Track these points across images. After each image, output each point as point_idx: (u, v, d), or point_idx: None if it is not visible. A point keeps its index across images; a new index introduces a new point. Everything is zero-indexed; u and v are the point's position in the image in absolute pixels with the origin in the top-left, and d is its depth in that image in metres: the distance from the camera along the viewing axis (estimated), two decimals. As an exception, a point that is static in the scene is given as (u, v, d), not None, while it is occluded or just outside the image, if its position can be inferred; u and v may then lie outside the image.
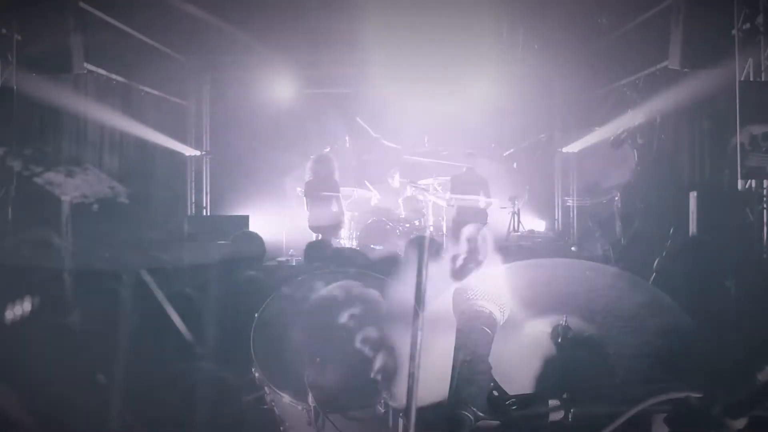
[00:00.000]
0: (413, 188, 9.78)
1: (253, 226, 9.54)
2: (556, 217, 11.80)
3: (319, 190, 8.98)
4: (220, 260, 4.67)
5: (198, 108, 11.36)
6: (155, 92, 9.88)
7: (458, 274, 1.38)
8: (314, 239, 8.61)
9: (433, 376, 1.29)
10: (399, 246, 9.55)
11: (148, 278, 3.56)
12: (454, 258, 1.39)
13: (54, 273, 3.38)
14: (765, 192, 6.78)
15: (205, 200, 11.65)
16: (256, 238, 5.06)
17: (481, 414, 1.07)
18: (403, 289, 2.71)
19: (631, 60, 9.26)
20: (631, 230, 8.98)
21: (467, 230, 1.37)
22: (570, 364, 1.34)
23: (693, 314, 1.40)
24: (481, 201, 9.41)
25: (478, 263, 1.36)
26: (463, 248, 1.37)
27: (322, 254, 5.01)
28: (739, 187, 6.85)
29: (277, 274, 5.33)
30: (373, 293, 2.66)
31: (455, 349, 1.21)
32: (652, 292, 1.43)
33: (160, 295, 3.46)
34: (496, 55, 9.60)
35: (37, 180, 7.23)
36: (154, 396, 2.90)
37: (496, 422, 1.08)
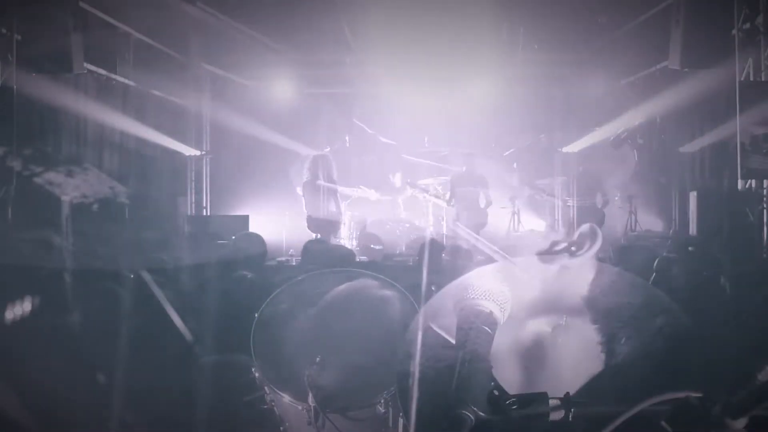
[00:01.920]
0: (413, 188, 9.79)
1: (253, 226, 9.54)
2: (556, 217, 11.80)
3: (318, 190, 8.99)
4: (220, 260, 4.67)
5: (198, 108, 11.34)
6: (155, 92, 9.88)
7: (548, 257, 1.38)
8: (313, 238, 8.61)
9: (433, 376, 1.29)
10: (399, 246, 9.58)
11: (147, 278, 3.56)
12: (555, 243, 1.38)
13: (53, 273, 3.38)
14: (765, 192, 6.78)
15: (205, 200, 11.64)
16: (256, 239, 5.06)
17: (481, 414, 1.07)
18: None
19: (631, 60, 9.27)
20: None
21: (584, 226, 1.38)
22: (570, 364, 1.34)
23: (693, 314, 1.40)
24: (482, 200, 9.41)
25: (573, 255, 1.35)
26: (569, 238, 1.37)
27: (320, 253, 5.00)
28: (739, 187, 6.86)
29: (277, 274, 5.33)
30: (385, 294, 2.66)
31: (455, 348, 1.21)
32: (652, 292, 1.43)
33: (160, 295, 3.46)
34: (496, 55, 9.59)
35: (37, 180, 7.23)
36: (154, 396, 2.90)
37: (496, 422, 1.08)
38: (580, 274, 1.39)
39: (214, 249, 7.40)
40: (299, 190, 9.55)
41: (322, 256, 4.79)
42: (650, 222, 9.64)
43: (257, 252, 4.83)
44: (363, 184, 10.29)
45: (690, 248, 5.85)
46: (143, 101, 9.50)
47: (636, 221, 9.33)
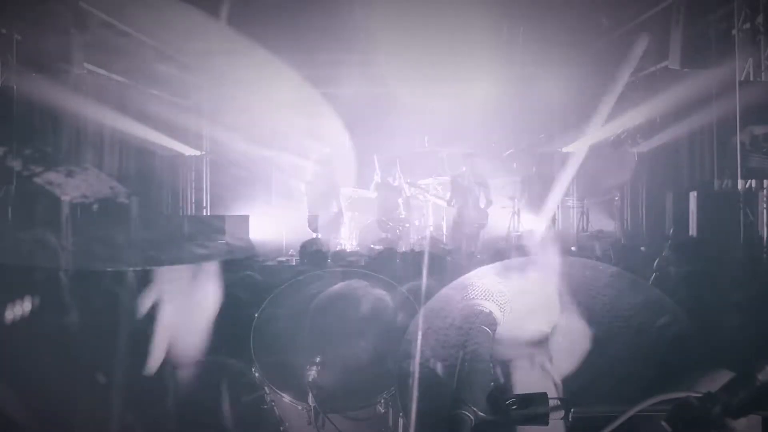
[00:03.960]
0: (413, 188, 9.80)
1: (253, 226, 9.53)
2: (556, 217, 11.78)
3: (319, 190, 9.01)
4: (217, 261, 4.65)
5: (198, 108, 11.33)
6: (155, 92, 9.87)
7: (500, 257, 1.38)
8: (311, 238, 8.61)
9: (433, 376, 1.29)
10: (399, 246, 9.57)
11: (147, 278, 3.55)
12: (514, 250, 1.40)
13: (53, 273, 3.38)
14: (765, 192, 6.78)
15: (205, 200, 11.63)
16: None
17: (481, 414, 1.07)
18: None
19: (631, 60, 9.26)
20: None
21: (547, 235, 1.40)
22: (569, 363, 1.34)
23: (692, 314, 1.40)
24: (482, 200, 9.41)
25: (545, 267, 1.36)
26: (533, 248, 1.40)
27: (316, 253, 5.01)
28: (739, 187, 6.86)
29: (277, 274, 5.32)
30: (380, 293, 2.66)
31: (455, 348, 1.21)
32: (651, 292, 1.44)
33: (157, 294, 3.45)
34: (497, 55, 9.59)
35: (37, 180, 7.23)
36: (154, 396, 2.90)
37: (496, 422, 1.08)
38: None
39: (211, 249, 7.38)
40: (300, 189, 9.56)
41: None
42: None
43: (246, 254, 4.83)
44: (363, 185, 10.31)
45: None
46: (143, 101, 9.49)
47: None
